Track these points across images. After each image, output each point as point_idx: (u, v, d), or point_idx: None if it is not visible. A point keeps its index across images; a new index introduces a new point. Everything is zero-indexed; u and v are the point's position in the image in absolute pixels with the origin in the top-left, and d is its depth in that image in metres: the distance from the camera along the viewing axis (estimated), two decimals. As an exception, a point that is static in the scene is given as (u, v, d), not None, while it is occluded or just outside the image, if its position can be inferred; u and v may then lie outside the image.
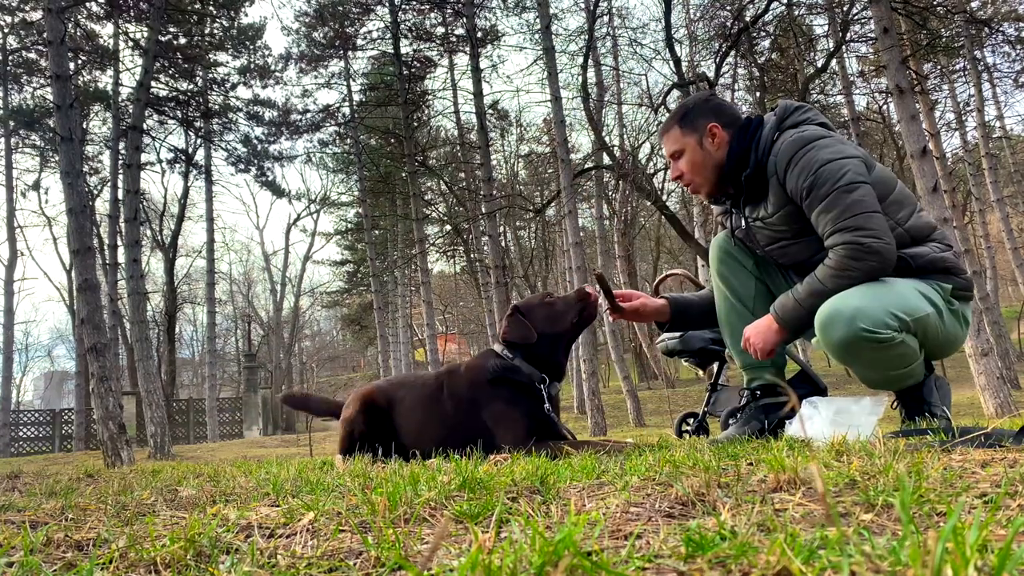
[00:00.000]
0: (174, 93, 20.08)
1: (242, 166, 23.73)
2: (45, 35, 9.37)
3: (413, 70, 19.36)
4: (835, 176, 2.12)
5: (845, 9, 13.76)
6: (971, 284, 2.28)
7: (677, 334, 4.08)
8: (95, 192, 23.35)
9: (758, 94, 16.28)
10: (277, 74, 21.80)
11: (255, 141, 23.04)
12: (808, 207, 2.19)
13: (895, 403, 2.43)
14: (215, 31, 20.62)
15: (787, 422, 2.46)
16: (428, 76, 21.38)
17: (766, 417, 2.51)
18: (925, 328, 2.14)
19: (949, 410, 2.36)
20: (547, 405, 2.49)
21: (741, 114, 2.46)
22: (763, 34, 15.18)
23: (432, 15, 19.29)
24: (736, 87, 17.54)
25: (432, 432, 2.65)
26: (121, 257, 16.57)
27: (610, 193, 23.03)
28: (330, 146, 24.46)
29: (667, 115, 2.55)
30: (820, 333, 2.15)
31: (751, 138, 2.34)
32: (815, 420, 2.09)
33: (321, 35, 20.65)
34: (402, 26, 18.89)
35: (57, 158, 9.36)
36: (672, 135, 2.46)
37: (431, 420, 2.67)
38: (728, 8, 14.54)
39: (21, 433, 21.47)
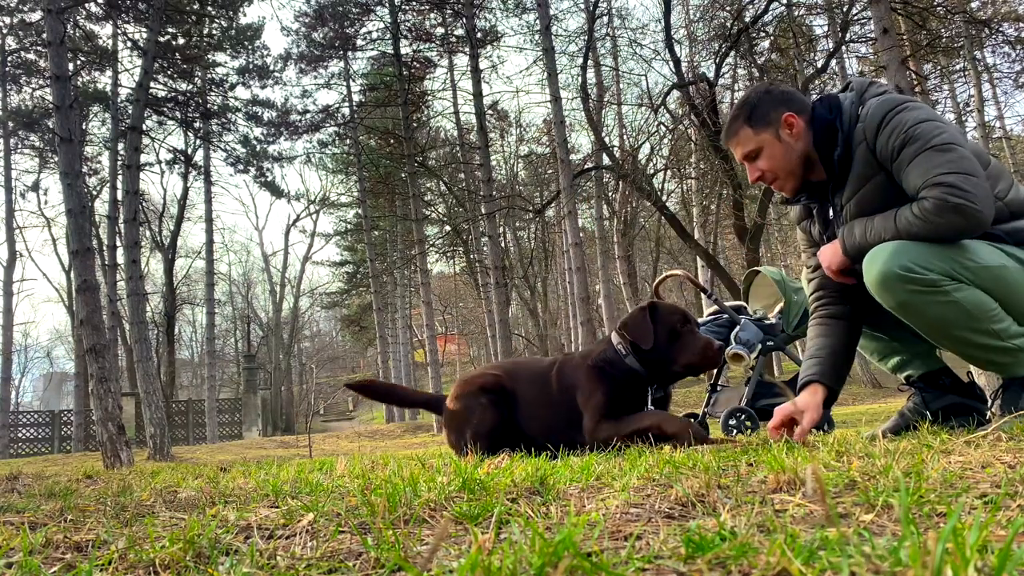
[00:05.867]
0: (173, 94, 20.08)
1: (241, 166, 23.74)
2: (44, 36, 9.36)
3: (413, 70, 19.37)
4: (929, 134, 1.97)
5: (845, 9, 13.76)
6: None
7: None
8: (94, 193, 23.34)
9: (757, 94, 16.24)
10: (276, 74, 21.84)
11: (254, 141, 23.05)
12: (897, 168, 2.04)
13: (997, 394, 2.16)
14: (214, 31, 20.63)
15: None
16: (428, 76, 21.42)
17: (927, 408, 2.38)
18: (1003, 283, 1.95)
19: None
20: (650, 406, 2.51)
21: (807, 98, 2.32)
22: (763, 35, 15.18)
23: (432, 15, 19.32)
24: (736, 87, 17.53)
25: (542, 414, 2.68)
26: (120, 258, 16.57)
27: (610, 194, 23.02)
28: (330, 147, 24.49)
29: (730, 118, 2.35)
30: (864, 269, 2.04)
31: (834, 116, 2.18)
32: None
33: (321, 35, 20.67)
34: (402, 26, 18.91)
35: (56, 159, 9.36)
36: (743, 136, 2.31)
37: (541, 402, 2.69)
38: (728, 9, 14.54)
39: (20, 434, 21.44)
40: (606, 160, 17.52)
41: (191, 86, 20.60)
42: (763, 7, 13.57)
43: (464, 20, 16.35)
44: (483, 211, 15.99)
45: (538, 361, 2.90)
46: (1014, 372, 2.05)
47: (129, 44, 16.82)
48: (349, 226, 31.83)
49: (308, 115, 21.67)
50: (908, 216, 1.99)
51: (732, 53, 14.51)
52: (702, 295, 4.90)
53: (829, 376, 2.26)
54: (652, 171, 18.71)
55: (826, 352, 2.31)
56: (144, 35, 14.42)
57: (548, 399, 2.66)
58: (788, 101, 2.27)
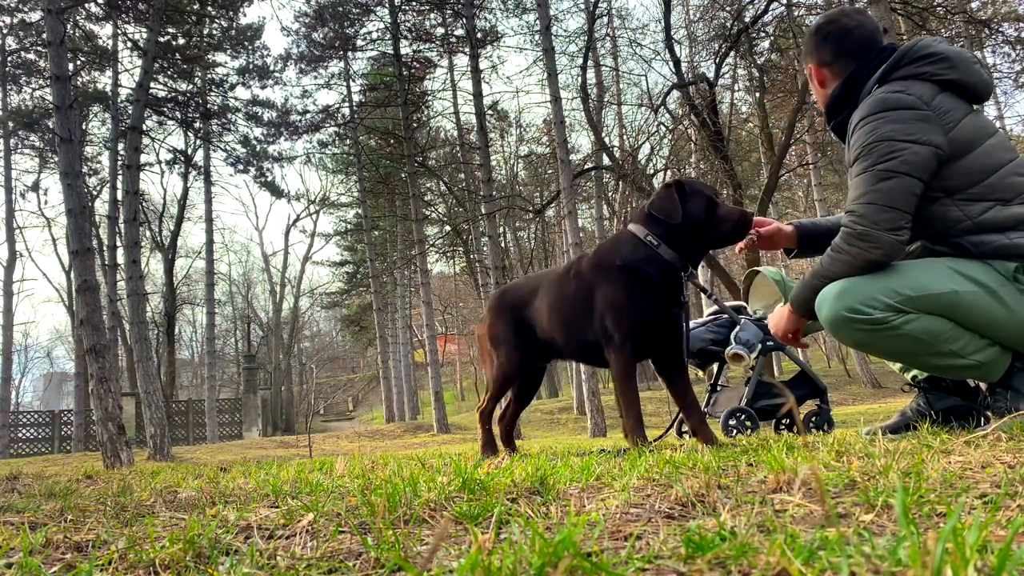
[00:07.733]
0: (173, 94, 20.06)
1: (241, 167, 23.73)
2: (44, 36, 9.36)
3: (413, 71, 19.36)
4: (879, 156, 1.95)
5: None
6: None
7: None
8: (94, 193, 23.34)
9: (758, 94, 16.29)
10: (276, 74, 21.82)
11: (254, 142, 23.04)
12: (849, 176, 2.09)
13: (985, 398, 2.19)
14: (214, 31, 20.62)
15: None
16: (428, 77, 21.41)
17: (931, 409, 2.41)
18: (955, 307, 1.92)
19: None
20: (684, 296, 2.44)
21: (860, 45, 2.17)
22: (763, 35, 15.19)
23: (432, 16, 19.32)
24: (736, 87, 17.55)
25: (556, 317, 2.60)
26: (120, 258, 16.58)
27: (610, 194, 23.03)
28: (330, 147, 24.48)
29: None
30: (817, 312, 2.08)
31: (861, 82, 2.14)
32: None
33: (321, 36, 20.67)
34: (402, 27, 18.91)
35: (56, 159, 9.36)
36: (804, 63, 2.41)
37: (556, 304, 2.61)
38: (727, 9, 14.55)
39: (20, 434, 21.43)
40: (606, 160, 17.52)
41: (191, 86, 20.58)
42: (763, 7, 13.59)
43: (464, 20, 16.34)
44: (483, 211, 15.99)
45: (556, 269, 2.81)
46: (989, 379, 2.08)
47: (129, 44, 16.82)
48: (349, 226, 31.82)
49: (308, 115, 21.67)
50: (826, 258, 2.07)
51: (732, 53, 14.52)
52: (702, 295, 4.90)
53: (807, 227, 2.49)
54: (652, 171, 18.72)
55: (815, 222, 2.51)
56: (144, 35, 14.41)
57: (561, 295, 2.59)
58: (816, 52, 2.27)
